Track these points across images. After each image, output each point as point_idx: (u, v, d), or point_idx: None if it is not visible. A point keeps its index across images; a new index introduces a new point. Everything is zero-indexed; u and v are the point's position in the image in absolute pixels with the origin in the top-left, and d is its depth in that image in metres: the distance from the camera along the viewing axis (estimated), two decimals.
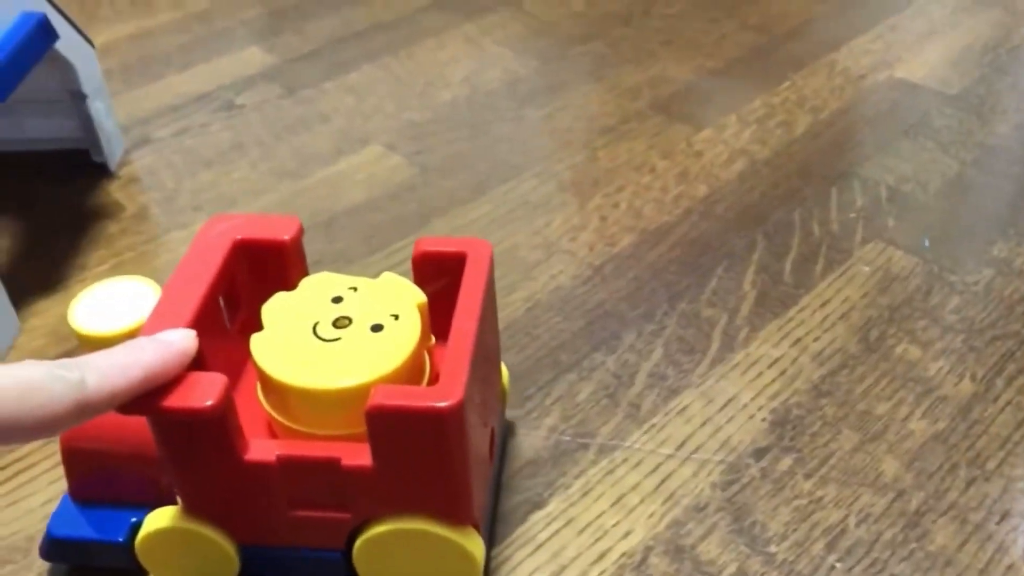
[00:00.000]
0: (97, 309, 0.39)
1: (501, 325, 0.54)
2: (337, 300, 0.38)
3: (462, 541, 0.36)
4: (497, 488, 0.44)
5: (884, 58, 0.78)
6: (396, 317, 0.37)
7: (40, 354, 0.53)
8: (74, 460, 0.40)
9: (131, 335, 0.37)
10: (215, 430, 0.34)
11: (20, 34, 0.54)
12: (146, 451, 0.37)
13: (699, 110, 0.73)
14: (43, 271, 0.59)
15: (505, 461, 0.46)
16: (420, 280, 0.40)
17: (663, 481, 0.45)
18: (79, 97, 0.64)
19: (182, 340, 0.34)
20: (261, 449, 0.35)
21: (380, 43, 0.83)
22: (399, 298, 0.38)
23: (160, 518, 0.38)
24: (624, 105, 0.73)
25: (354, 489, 0.36)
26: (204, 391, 0.33)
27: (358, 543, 0.37)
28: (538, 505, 0.44)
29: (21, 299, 0.56)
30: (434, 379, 0.38)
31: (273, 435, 0.38)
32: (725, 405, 0.49)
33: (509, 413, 0.49)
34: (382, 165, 0.68)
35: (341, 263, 0.59)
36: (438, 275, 0.40)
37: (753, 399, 0.49)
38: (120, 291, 0.40)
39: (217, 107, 0.75)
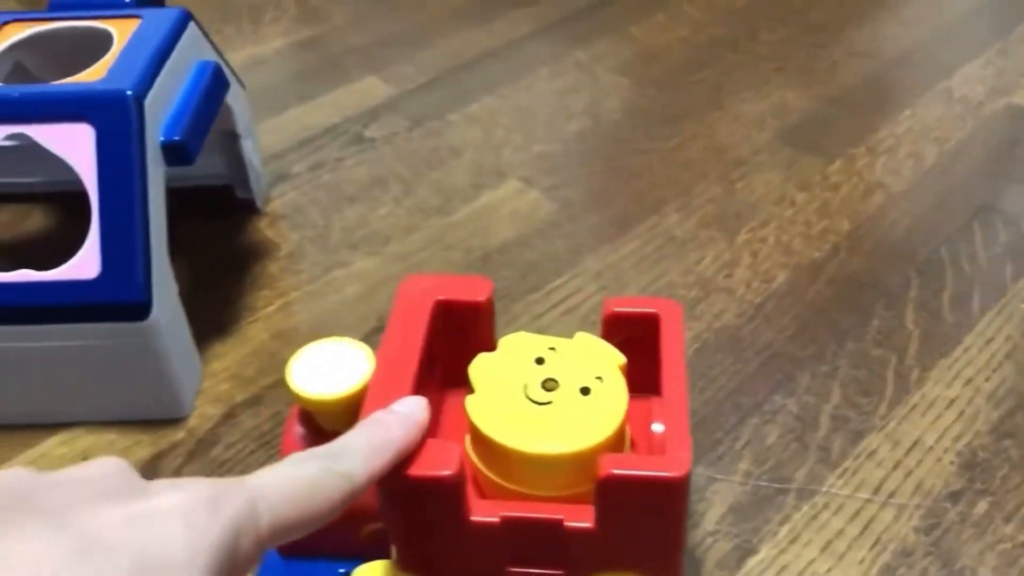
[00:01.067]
0: (314, 372, 0.41)
1: None
2: (540, 361, 0.39)
3: None
4: None
5: (997, 85, 0.79)
6: (600, 379, 0.38)
7: (227, 399, 0.55)
8: None
9: (352, 398, 0.39)
10: (449, 494, 0.35)
11: (201, 86, 0.55)
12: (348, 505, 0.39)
13: (826, 140, 0.74)
14: (214, 313, 0.60)
15: (706, 506, 0.48)
16: (608, 339, 0.41)
17: (867, 526, 0.46)
18: (231, 137, 0.66)
19: (418, 411, 0.36)
20: (486, 510, 0.37)
21: (495, 72, 0.84)
22: (599, 359, 0.39)
23: (372, 573, 0.39)
24: (751, 135, 0.74)
25: (573, 548, 0.37)
26: (443, 459, 0.35)
27: None
28: (750, 552, 0.46)
29: (199, 343, 0.57)
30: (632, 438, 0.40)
31: (477, 487, 0.40)
32: (912, 448, 0.50)
33: (703, 457, 0.50)
34: (523, 200, 0.69)
35: (506, 301, 0.60)
36: (626, 334, 0.42)
37: (938, 441, 0.50)
38: (332, 353, 0.41)
39: (348, 140, 0.76)
